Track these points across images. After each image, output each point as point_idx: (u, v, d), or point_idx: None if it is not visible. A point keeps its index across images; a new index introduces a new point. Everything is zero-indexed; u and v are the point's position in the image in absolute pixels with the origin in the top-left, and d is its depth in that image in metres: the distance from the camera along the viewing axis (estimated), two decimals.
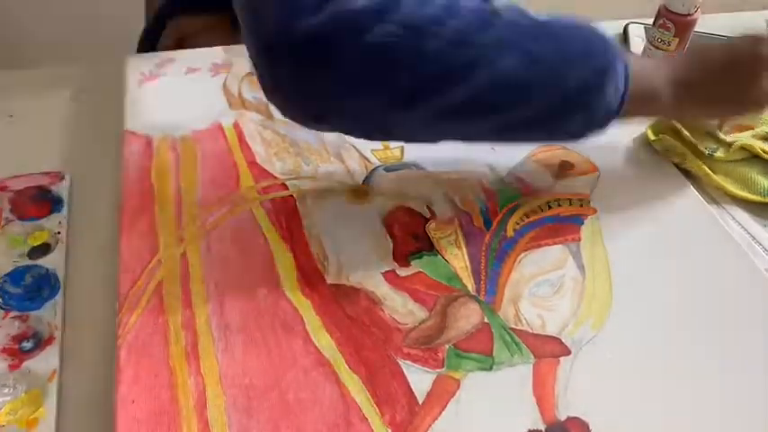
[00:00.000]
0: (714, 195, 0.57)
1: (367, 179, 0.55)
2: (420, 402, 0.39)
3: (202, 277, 0.45)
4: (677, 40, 0.63)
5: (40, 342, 0.42)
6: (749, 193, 0.56)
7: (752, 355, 0.43)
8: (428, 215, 0.52)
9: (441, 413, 0.39)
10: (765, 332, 0.45)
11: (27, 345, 0.42)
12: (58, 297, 0.44)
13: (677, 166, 0.58)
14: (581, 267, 0.48)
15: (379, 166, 0.56)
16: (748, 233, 0.53)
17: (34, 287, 0.45)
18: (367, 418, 0.38)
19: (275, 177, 0.54)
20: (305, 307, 0.44)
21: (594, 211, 0.53)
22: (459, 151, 0.57)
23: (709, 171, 0.57)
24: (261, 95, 0.62)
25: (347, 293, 0.45)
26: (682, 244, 0.51)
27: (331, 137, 0.58)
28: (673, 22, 0.63)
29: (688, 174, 0.57)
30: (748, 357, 0.43)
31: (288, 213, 0.51)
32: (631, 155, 0.59)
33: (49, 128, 0.59)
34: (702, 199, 0.55)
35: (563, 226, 0.51)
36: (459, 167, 0.56)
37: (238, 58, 0.66)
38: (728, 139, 0.59)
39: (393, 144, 0.58)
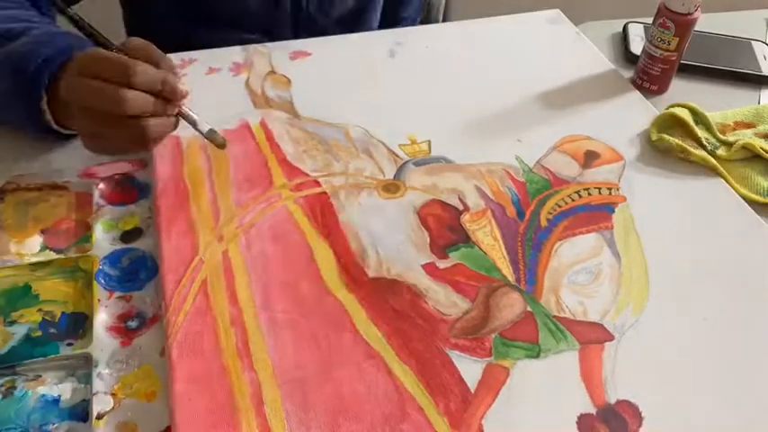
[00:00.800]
0: None
1: (397, 174, 0.55)
2: (472, 391, 0.40)
3: (246, 274, 0.46)
4: (677, 39, 0.63)
5: (145, 321, 0.44)
6: (749, 192, 0.56)
7: None
8: (461, 207, 0.52)
9: (494, 401, 0.40)
10: None
11: (132, 323, 0.44)
12: (157, 278, 0.46)
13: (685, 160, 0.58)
14: (616, 255, 0.49)
15: (408, 161, 0.56)
16: None
17: (131, 269, 0.47)
18: (422, 408, 0.39)
19: (307, 174, 0.54)
20: (349, 301, 0.45)
21: (624, 199, 0.54)
22: (485, 144, 0.58)
23: (717, 163, 0.57)
24: (285, 94, 0.63)
25: (390, 286, 0.46)
26: (711, 227, 0.52)
27: (358, 133, 0.59)
28: (672, 22, 0.63)
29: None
30: None
31: (323, 209, 0.51)
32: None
33: None
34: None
35: (595, 215, 0.52)
36: (486, 160, 0.57)
37: (258, 57, 0.67)
38: (730, 138, 0.60)
39: (420, 138, 0.58)
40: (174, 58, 0.66)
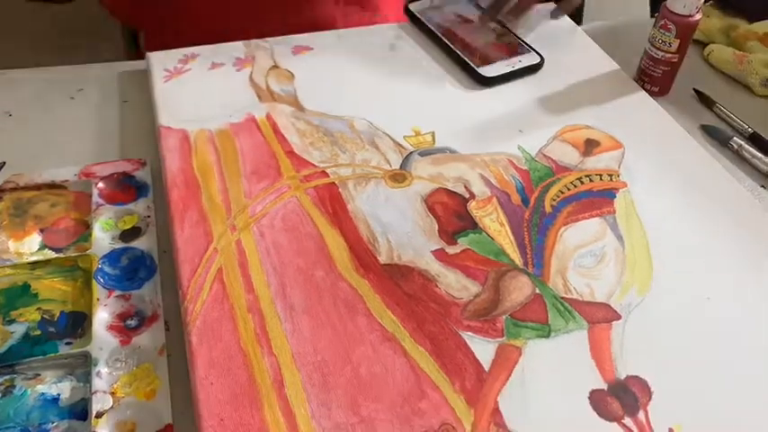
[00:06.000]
0: None
1: (403, 164, 0.56)
2: (486, 370, 0.41)
3: (260, 262, 0.47)
4: (678, 41, 0.64)
5: (144, 320, 0.44)
6: None
7: None
8: (467, 195, 0.53)
9: (508, 379, 0.41)
10: None
11: (131, 322, 0.44)
12: (156, 277, 0.46)
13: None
14: (619, 238, 0.51)
15: (413, 152, 0.57)
16: None
17: (130, 268, 0.47)
18: (439, 387, 0.40)
19: (315, 166, 0.55)
20: (363, 287, 0.46)
21: (625, 184, 0.55)
22: (488, 135, 0.60)
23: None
24: (289, 88, 0.64)
25: (401, 272, 0.47)
26: (709, 208, 0.53)
27: (363, 126, 0.60)
28: (674, 23, 0.63)
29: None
30: None
31: (332, 199, 0.52)
32: (653, 130, 0.61)
33: (50, 126, 0.59)
34: (721, 166, 0.58)
35: (597, 200, 0.54)
36: (489, 150, 0.58)
37: (260, 52, 0.67)
38: None
39: (424, 130, 0.59)
40: (176, 53, 0.67)
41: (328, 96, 0.62)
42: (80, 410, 0.40)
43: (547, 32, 0.74)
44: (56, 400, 0.40)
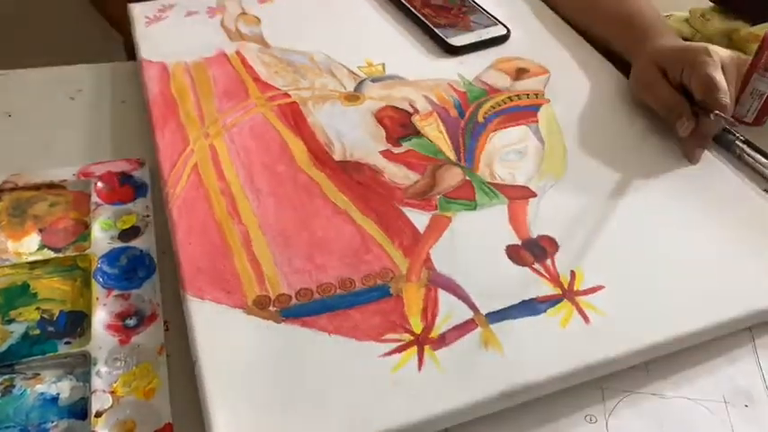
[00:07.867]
0: None
1: (357, 88, 0.64)
2: (421, 233, 0.49)
3: (231, 160, 0.54)
4: None
5: (143, 319, 0.44)
6: None
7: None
8: (412, 111, 0.62)
9: (438, 238, 0.49)
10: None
11: (130, 322, 0.44)
12: (155, 277, 0.47)
13: None
14: (540, 140, 0.59)
15: (366, 78, 0.65)
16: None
17: (129, 268, 0.47)
18: (381, 245, 0.48)
19: (278, 89, 0.63)
20: (320, 177, 0.54)
21: (548, 101, 0.64)
22: (431, 65, 0.68)
23: None
24: (256, 29, 0.71)
25: (353, 166, 0.55)
26: (615, 117, 0.62)
27: (321, 58, 0.67)
28: None
29: None
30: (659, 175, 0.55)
31: (293, 114, 0.60)
32: (576, 59, 0.70)
33: (49, 126, 0.60)
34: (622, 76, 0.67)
35: (523, 113, 0.62)
36: (433, 76, 0.66)
37: (229, 1, 0.75)
38: None
39: (375, 61, 0.68)
40: (155, 4, 0.74)
41: (290, 37, 0.70)
42: (79, 410, 0.40)
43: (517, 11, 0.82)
44: (55, 399, 0.40)
